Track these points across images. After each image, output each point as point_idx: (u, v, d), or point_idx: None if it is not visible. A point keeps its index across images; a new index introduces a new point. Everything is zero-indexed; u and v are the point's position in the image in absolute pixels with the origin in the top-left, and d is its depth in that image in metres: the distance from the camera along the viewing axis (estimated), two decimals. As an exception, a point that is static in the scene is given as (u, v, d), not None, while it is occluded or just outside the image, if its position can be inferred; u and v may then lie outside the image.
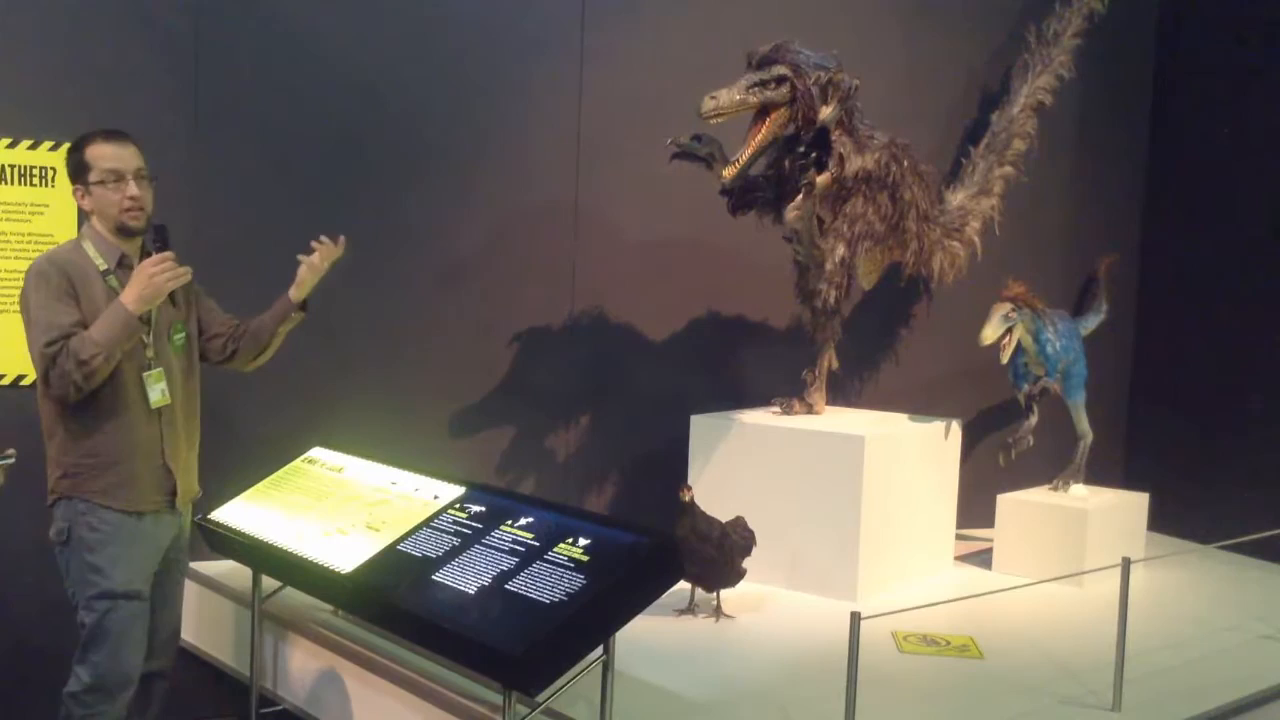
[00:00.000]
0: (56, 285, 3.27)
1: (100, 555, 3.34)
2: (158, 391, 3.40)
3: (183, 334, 3.54)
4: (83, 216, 3.52)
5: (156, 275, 3.25)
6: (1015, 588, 3.93)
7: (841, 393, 5.67)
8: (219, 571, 4.37)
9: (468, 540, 3.30)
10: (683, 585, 4.20)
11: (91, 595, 3.35)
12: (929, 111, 6.02)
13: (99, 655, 3.35)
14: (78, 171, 3.38)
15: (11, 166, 4.27)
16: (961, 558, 5.40)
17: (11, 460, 3.05)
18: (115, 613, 3.35)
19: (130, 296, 3.24)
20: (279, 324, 3.77)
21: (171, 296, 3.43)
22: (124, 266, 3.39)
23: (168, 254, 3.29)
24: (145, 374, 3.38)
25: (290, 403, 4.60)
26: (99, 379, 3.25)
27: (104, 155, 3.35)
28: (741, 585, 4.33)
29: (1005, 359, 5.10)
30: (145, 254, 3.42)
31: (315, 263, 3.77)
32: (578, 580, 2.93)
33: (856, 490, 4.62)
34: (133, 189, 3.35)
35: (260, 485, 4.12)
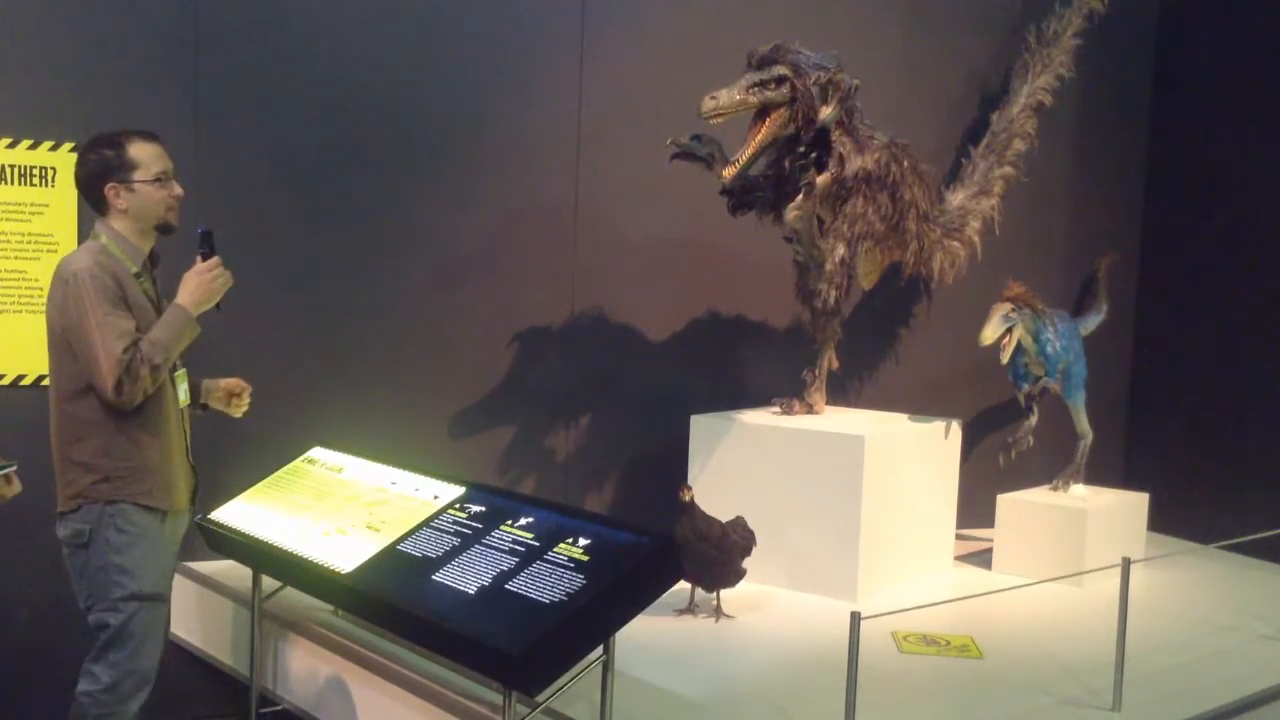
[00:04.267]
0: (113, 292, 3.28)
1: (128, 557, 3.35)
2: (183, 391, 3.50)
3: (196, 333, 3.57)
4: (90, 217, 3.50)
5: (215, 280, 3.37)
6: (1015, 588, 3.94)
7: (841, 393, 5.67)
8: (219, 571, 4.37)
9: (468, 540, 3.30)
10: (683, 585, 4.19)
11: (119, 597, 3.34)
12: (929, 111, 6.01)
13: (120, 655, 3.36)
14: (117, 168, 3.36)
15: (11, 166, 4.27)
16: (961, 558, 5.40)
17: (13, 468, 3.05)
18: (141, 614, 3.37)
19: (188, 300, 3.34)
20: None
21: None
22: (145, 269, 3.46)
23: (217, 258, 3.42)
24: (174, 374, 3.45)
25: (290, 403, 4.60)
26: (160, 382, 3.33)
27: (154, 155, 3.41)
28: (741, 585, 4.33)
29: (1005, 359, 5.10)
30: (154, 255, 3.48)
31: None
32: (578, 580, 2.93)
33: (856, 490, 4.62)
34: (178, 189, 3.44)
35: (260, 485, 4.12)
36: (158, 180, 3.38)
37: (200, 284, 3.37)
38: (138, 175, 3.36)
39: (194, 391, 3.67)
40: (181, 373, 3.47)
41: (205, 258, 3.43)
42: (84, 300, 3.25)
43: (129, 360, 3.21)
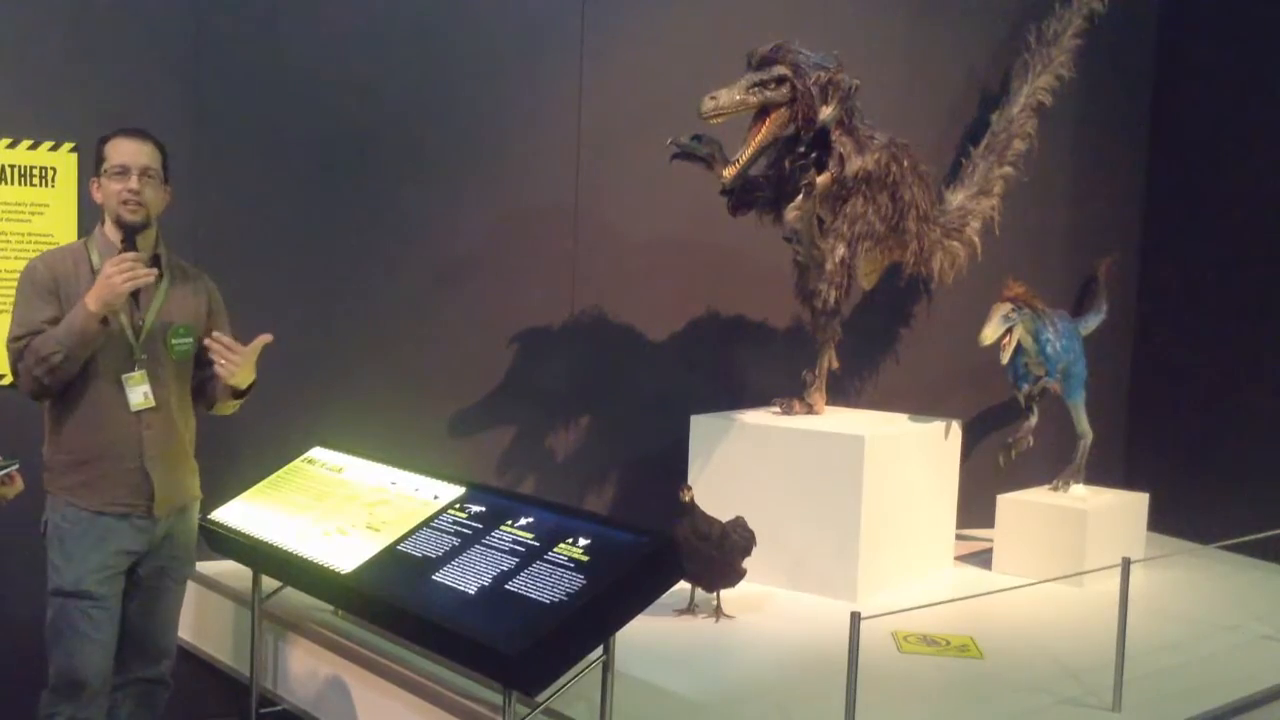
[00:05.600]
0: (40, 283, 3.31)
1: (57, 551, 3.36)
2: (139, 394, 3.36)
3: (188, 340, 3.50)
4: (89, 217, 3.52)
5: (114, 276, 3.20)
6: (1015, 588, 3.93)
7: (841, 393, 5.67)
8: (219, 571, 4.37)
9: (468, 540, 3.30)
10: (683, 585, 4.20)
11: (48, 591, 3.37)
12: (929, 111, 6.02)
13: (55, 653, 3.37)
14: (96, 164, 3.41)
15: (11, 166, 4.28)
16: (961, 558, 5.40)
17: (14, 467, 3.05)
18: (63, 611, 3.35)
19: (91, 296, 3.23)
20: (222, 397, 3.61)
21: (145, 299, 3.40)
22: None
23: (129, 255, 3.26)
24: (124, 376, 3.35)
25: (290, 403, 4.60)
26: (63, 376, 3.25)
27: (118, 150, 3.37)
28: (741, 585, 4.33)
29: (1005, 359, 5.10)
30: (154, 257, 3.45)
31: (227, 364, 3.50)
32: (578, 580, 2.93)
33: (856, 490, 4.62)
34: (133, 183, 3.34)
35: (260, 485, 4.12)
36: (110, 173, 3.34)
37: (101, 279, 3.22)
38: (103, 168, 3.37)
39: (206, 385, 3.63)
40: (138, 375, 3.35)
41: (121, 253, 3.29)
42: (16, 292, 3.35)
43: (19, 350, 3.25)
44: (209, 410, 3.70)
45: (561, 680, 2.93)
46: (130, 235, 3.34)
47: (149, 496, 3.41)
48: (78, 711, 3.37)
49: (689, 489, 4.13)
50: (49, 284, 3.30)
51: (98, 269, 3.34)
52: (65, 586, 3.34)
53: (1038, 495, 5.36)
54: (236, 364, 3.42)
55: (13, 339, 3.27)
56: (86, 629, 3.36)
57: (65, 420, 3.35)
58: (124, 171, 3.34)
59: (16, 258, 4.23)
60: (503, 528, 3.29)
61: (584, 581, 2.92)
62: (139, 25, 4.45)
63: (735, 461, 4.88)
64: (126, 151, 3.36)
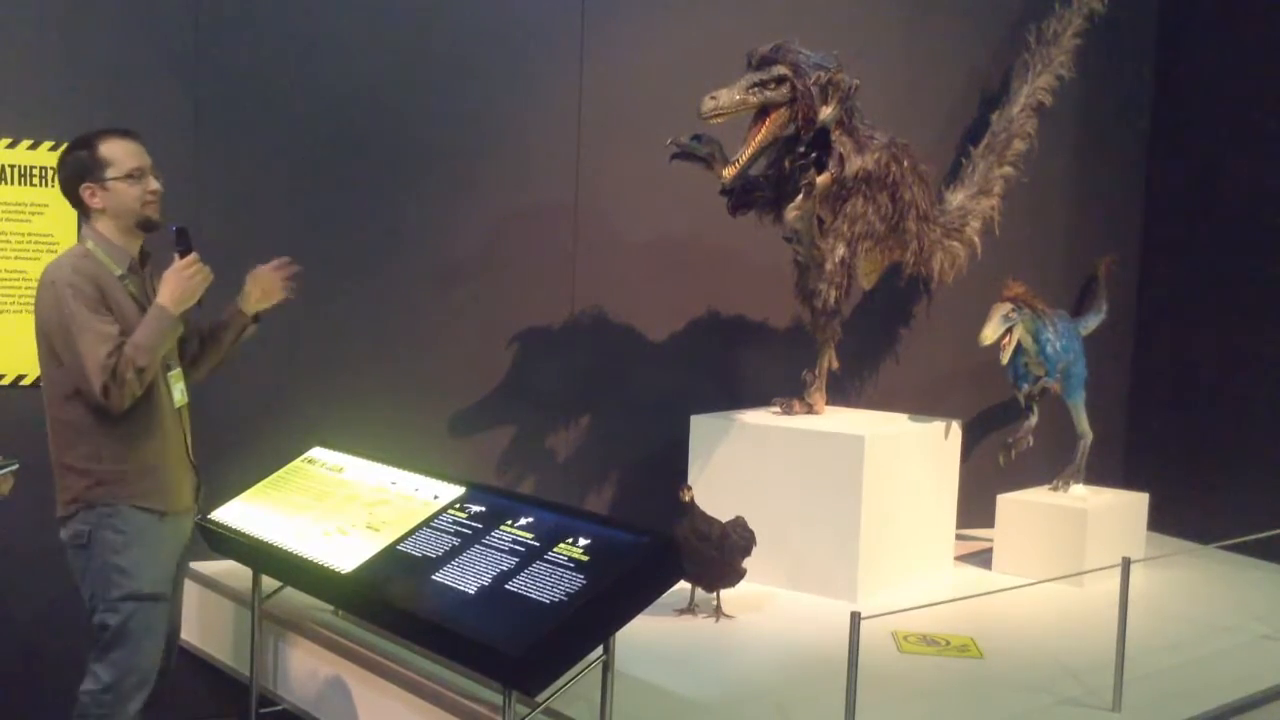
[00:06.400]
0: (92, 296, 3.26)
1: (125, 557, 3.34)
2: (179, 391, 3.47)
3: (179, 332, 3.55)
4: (80, 220, 3.48)
5: (194, 277, 3.32)
6: (1015, 588, 3.94)
7: (841, 393, 5.67)
8: (219, 571, 4.36)
9: (468, 540, 3.30)
10: (683, 585, 4.20)
11: (116, 597, 3.34)
12: (929, 111, 6.02)
13: (119, 654, 3.36)
14: (90, 169, 3.35)
15: (11, 166, 4.27)
16: (961, 558, 5.40)
17: (15, 467, 3.05)
18: (139, 614, 3.36)
19: (168, 299, 3.29)
20: (236, 335, 3.72)
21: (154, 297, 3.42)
22: (132, 270, 3.41)
23: (194, 255, 3.36)
24: (168, 374, 3.43)
25: (290, 403, 4.60)
26: (147, 383, 3.30)
27: (127, 152, 3.37)
28: (741, 585, 4.33)
29: (1005, 359, 5.10)
30: (144, 255, 3.47)
31: (261, 275, 3.70)
32: (578, 580, 2.93)
33: (856, 490, 4.62)
34: (154, 183, 3.39)
35: (260, 485, 4.12)
36: (130, 176, 3.34)
37: (179, 282, 3.31)
38: (110, 173, 3.34)
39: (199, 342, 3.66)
40: (176, 372, 3.45)
41: (183, 255, 3.36)
42: (64, 308, 3.25)
43: (114, 365, 3.20)
44: (212, 370, 3.76)
45: (561, 680, 2.93)
46: (185, 237, 3.39)
47: (197, 488, 3.55)
48: (131, 710, 3.41)
49: (689, 489, 4.13)
50: (97, 294, 3.28)
51: (121, 274, 3.36)
52: (142, 590, 3.36)
53: (1038, 495, 5.36)
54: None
55: (106, 356, 3.20)
56: (159, 629, 3.44)
57: (131, 428, 3.33)
58: (143, 173, 3.37)
59: (16, 258, 4.23)
60: (503, 528, 3.29)
61: (584, 581, 2.92)
62: (138, 25, 4.45)
63: (735, 461, 4.88)
64: (135, 153, 3.38)
